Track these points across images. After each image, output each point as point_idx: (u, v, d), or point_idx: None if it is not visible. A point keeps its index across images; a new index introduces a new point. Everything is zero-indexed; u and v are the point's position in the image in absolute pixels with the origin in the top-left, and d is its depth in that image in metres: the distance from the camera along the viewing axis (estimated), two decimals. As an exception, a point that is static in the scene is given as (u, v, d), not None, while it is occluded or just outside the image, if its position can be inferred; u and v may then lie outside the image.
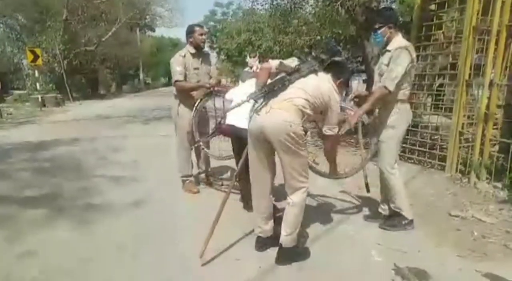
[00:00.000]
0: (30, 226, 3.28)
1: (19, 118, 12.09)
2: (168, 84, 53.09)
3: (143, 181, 4.61)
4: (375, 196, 3.50)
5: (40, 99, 15.18)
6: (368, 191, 3.40)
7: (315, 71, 2.59)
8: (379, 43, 3.10)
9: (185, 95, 3.98)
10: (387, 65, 2.93)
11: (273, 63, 2.66)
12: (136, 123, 10.44)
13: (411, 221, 3.11)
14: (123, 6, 22.15)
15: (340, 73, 2.77)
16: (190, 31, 4.00)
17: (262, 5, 11.74)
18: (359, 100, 3.18)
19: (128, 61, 29.59)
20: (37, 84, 16.32)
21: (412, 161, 5.29)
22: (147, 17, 28.82)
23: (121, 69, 30.74)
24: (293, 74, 2.54)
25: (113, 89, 30.24)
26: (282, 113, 2.38)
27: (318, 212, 3.54)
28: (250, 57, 5.63)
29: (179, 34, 48.55)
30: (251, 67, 5.38)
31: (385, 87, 2.86)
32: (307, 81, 2.52)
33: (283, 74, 2.58)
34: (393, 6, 11.63)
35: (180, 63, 3.91)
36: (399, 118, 3.00)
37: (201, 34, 3.98)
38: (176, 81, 3.93)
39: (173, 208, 3.74)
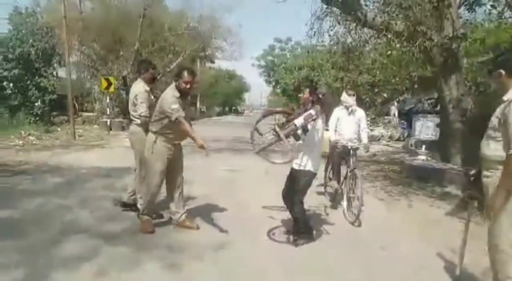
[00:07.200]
0: (115, 262, 3.28)
1: (89, 141, 12.79)
2: (221, 113, 54.50)
3: (219, 219, 4.49)
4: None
5: (108, 123, 16.07)
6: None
7: None
8: None
9: (171, 132, 3.91)
10: (500, 119, 2.50)
11: None
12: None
13: None
14: (189, 39, 23.36)
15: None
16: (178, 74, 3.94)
17: (324, 41, 11.24)
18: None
19: (188, 90, 30.89)
20: (107, 109, 17.31)
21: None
22: (209, 49, 30.10)
23: (180, 97, 32.17)
24: None
25: (172, 115, 31.60)
26: None
27: None
28: (348, 95, 5.44)
29: (236, 66, 50.10)
30: (348, 107, 5.31)
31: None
32: None
33: None
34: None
35: (177, 102, 3.82)
36: None
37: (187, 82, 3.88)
38: (181, 116, 3.77)
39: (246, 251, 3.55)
